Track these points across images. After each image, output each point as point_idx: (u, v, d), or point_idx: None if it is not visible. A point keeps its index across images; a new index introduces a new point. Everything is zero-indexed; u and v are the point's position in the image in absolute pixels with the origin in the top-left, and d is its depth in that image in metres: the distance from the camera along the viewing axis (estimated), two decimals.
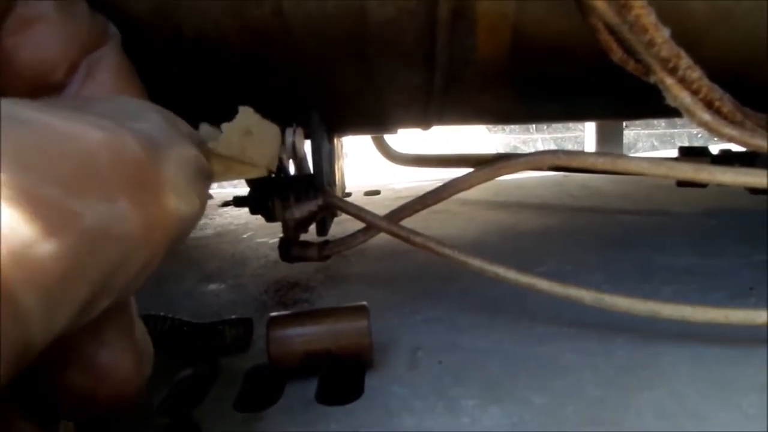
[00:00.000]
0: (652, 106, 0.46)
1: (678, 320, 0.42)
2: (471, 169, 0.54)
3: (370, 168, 1.60)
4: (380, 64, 0.53)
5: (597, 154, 0.46)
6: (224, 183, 2.33)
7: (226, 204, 1.12)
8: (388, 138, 1.09)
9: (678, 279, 0.57)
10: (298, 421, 0.38)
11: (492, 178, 0.52)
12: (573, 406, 0.37)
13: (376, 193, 1.13)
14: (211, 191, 1.27)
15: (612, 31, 0.42)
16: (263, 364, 0.45)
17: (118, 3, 0.42)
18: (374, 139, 1.07)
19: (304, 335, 0.42)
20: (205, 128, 0.26)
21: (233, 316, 0.48)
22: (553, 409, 0.37)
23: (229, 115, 0.55)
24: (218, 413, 0.39)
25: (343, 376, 0.42)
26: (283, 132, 0.56)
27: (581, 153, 0.48)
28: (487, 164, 0.51)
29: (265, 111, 0.57)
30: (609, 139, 1.31)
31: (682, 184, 0.80)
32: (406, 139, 1.10)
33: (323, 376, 0.43)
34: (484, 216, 0.88)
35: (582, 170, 0.84)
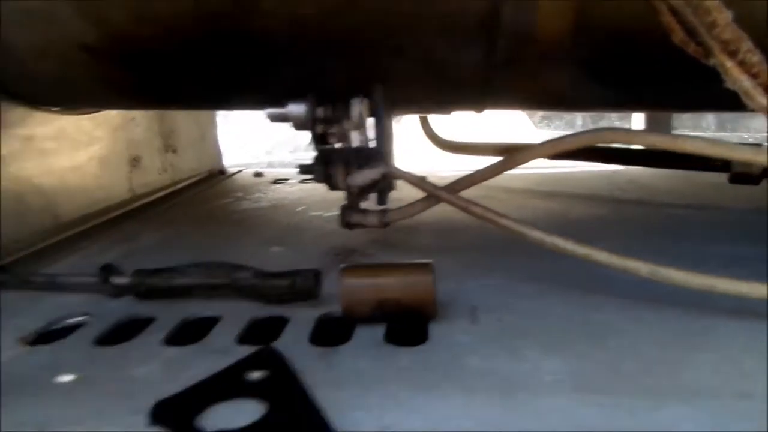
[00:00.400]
0: (710, 94, 0.47)
1: (733, 295, 0.44)
2: None
3: (416, 157, 1.62)
4: (442, 40, 0.56)
5: (654, 132, 0.48)
6: (274, 162, 2.36)
7: (277, 181, 1.16)
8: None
9: (731, 265, 0.58)
10: (370, 356, 0.41)
11: (552, 153, 0.54)
12: (630, 361, 0.39)
13: None
14: (261, 170, 1.31)
15: (674, 12, 0.44)
16: (333, 312, 0.48)
17: None
18: (422, 123, 1.09)
19: (375, 285, 0.45)
20: None
21: (303, 267, 0.51)
22: (611, 362, 0.39)
23: (306, 88, 0.58)
24: (295, 347, 0.42)
25: (409, 324, 0.45)
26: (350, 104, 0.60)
27: (639, 131, 0.50)
28: (547, 141, 0.54)
29: (335, 84, 0.61)
30: None
31: (734, 180, 0.81)
32: (452, 130, 1.13)
33: (391, 322, 0.46)
34: (532, 203, 0.90)
35: (632, 159, 0.86)
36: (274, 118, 0.60)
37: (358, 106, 0.59)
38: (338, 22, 0.55)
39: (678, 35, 0.45)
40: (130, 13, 0.53)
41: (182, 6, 0.52)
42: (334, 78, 0.61)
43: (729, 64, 0.43)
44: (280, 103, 0.58)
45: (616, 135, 0.52)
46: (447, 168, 1.29)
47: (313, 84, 0.59)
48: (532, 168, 1.18)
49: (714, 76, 0.44)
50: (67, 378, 0.40)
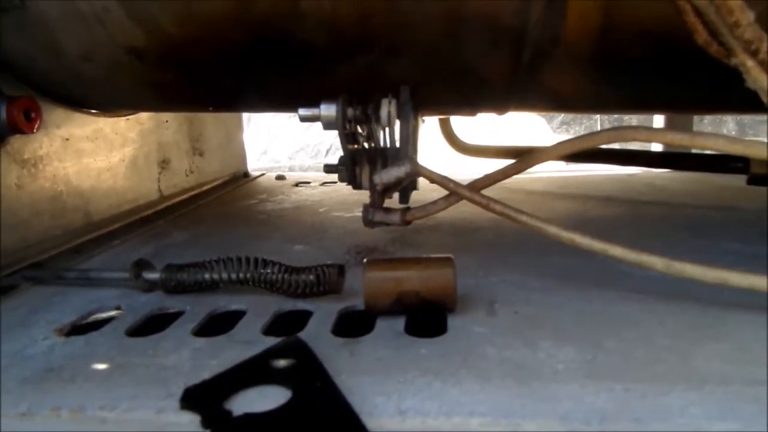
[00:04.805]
0: (733, 96, 0.48)
1: (746, 289, 0.45)
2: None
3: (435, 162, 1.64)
4: (472, 41, 0.57)
5: (675, 131, 0.49)
6: (295, 167, 2.40)
7: (299, 184, 1.18)
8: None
9: (746, 263, 0.58)
10: (390, 346, 0.42)
11: (577, 149, 0.55)
12: (642, 350, 0.40)
13: None
14: (284, 173, 1.34)
15: (698, 13, 0.45)
16: (355, 306, 0.50)
17: None
18: (441, 125, 1.11)
19: (396, 278, 0.47)
20: None
21: (328, 262, 0.53)
22: (624, 352, 0.40)
23: (337, 89, 0.60)
24: (319, 338, 0.44)
25: (428, 316, 0.47)
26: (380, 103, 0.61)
27: (661, 129, 0.51)
28: (572, 138, 0.55)
29: (365, 86, 0.63)
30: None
31: (752, 181, 0.82)
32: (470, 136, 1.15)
33: (411, 315, 0.47)
34: (551, 204, 0.91)
35: (652, 162, 0.86)
36: (305, 119, 0.61)
37: (386, 107, 0.61)
38: (372, 25, 0.56)
39: (701, 36, 0.46)
40: (176, 14, 0.55)
41: (223, 8, 0.55)
42: (365, 79, 0.63)
43: (750, 63, 0.45)
44: (312, 103, 0.59)
45: (638, 133, 0.52)
46: (465, 172, 1.31)
47: (345, 85, 0.61)
48: (550, 172, 1.19)
49: (735, 78, 0.45)
50: (101, 366, 0.42)
